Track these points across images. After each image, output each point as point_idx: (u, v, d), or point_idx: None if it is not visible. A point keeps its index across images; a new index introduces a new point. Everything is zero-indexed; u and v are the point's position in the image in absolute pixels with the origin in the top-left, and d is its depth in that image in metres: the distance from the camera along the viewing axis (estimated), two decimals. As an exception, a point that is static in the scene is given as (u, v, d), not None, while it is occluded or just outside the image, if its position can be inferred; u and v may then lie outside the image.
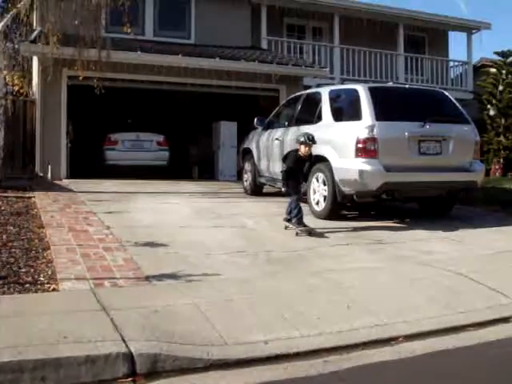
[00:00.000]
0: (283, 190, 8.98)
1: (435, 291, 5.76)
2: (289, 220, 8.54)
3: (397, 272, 6.49)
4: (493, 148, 21.21)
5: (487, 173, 19.69)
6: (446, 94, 10.20)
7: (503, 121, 21.90)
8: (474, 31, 24.49)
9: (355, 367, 4.15)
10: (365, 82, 16.77)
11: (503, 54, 22.84)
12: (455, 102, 9.97)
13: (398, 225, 9.18)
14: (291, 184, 8.69)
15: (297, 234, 8.26)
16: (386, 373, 4.12)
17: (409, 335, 4.72)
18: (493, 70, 23.36)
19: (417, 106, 9.53)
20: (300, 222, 8.35)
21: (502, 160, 20.92)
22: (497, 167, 20.71)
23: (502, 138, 21.53)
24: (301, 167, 8.73)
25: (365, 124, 8.84)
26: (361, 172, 8.69)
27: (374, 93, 9.24)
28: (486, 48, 49.66)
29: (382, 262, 6.94)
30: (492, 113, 22.17)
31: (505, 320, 5.19)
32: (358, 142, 8.77)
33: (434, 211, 10.26)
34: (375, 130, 8.72)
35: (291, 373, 4.06)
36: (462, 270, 6.44)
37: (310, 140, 8.49)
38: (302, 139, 8.52)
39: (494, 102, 22.29)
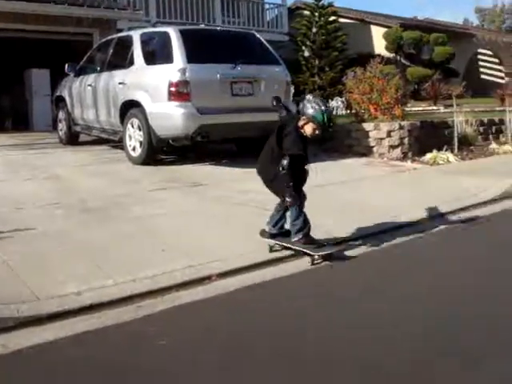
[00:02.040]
0: (287, 198, 5.31)
1: (249, 229, 5.91)
2: (275, 236, 5.57)
3: (213, 213, 6.59)
4: (308, 88, 21.92)
5: (303, 112, 20.40)
6: (257, 35, 10.36)
7: (317, 62, 22.67)
8: (289, -26, 24.99)
9: (168, 309, 4.17)
10: (182, 24, 16.60)
11: (316, -3, 23.49)
12: (266, 43, 10.16)
13: (216, 166, 9.29)
14: (294, 180, 5.34)
15: (313, 261, 5.29)
16: (198, 311, 4.19)
17: (223, 273, 4.81)
18: (307, 12, 23.98)
19: (228, 48, 9.58)
20: (311, 240, 5.41)
21: (317, 99, 21.71)
22: (312, 106, 21.47)
23: (316, 78, 22.31)
24: (305, 152, 5.45)
25: (176, 67, 8.77)
26: (174, 116, 8.67)
27: (186, 35, 9.16)
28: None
29: (198, 204, 7.00)
30: (307, 54, 22.86)
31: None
32: (170, 85, 8.69)
33: (251, 151, 10.44)
34: (187, 73, 8.68)
35: (104, 321, 4.00)
36: (272, 207, 6.65)
37: (329, 122, 5.35)
38: (319, 118, 5.20)
39: (308, 43, 22.96)
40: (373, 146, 10.53)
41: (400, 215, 6.45)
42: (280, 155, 5.26)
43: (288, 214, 5.49)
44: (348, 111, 14.02)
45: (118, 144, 10.44)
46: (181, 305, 4.25)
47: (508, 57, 33.58)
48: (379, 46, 25.53)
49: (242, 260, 5.09)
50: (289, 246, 5.48)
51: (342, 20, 25.21)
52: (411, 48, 25.40)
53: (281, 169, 5.24)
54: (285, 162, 5.21)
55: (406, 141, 10.49)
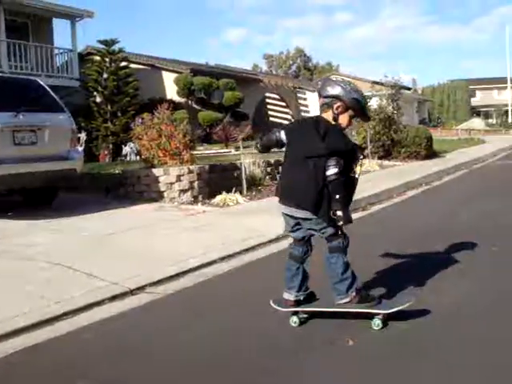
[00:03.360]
0: (340, 214, 4.11)
1: (32, 285, 5.66)
2: (300, 302, 4.48)
3: (-8, 271, 6.24)
4: (101, 134, 21.78)
5: (97, 159, 20.18)
6: (41, 82, 10.12)
7: (109, 107, 22.60)
8: (77, 19, 24.82)
9: None
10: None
11: (106, 43, 23.47)
12: (50, 90, 9.94)
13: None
14: (344, 200, 4.20)
15: (383, 320, 4.24)
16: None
17: (2, 335, 4.57)
18: (97, 57, 23.88)
19: (9, 95, 9.22)
20: (367, 295, 4.40)
21: (110, 145, 21.60)
22: (106, 153, 21.32)
23: (109, 124, 22.21)
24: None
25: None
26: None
27: (-39, 83, 8.72)
28: (92, 36, 50.49)
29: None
30: (99, 100, 22.73)
31: (100, 303, 5.33)
32: None
33: (38, 201, 10.15)
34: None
35: None
36: (60, 260, 6.46)
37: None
38: (363, 101, 4.34)
39: (99, 89, 22.84)
40: (164, 191, 10.62)
41: (187, 260, 6.54)
42: (322, 165, 4.14)
43: (330, 262, 4.32)
44: (139, 157, 14.05)
45: None
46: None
47: (293, 100, 35.74)
48: (171, 91, 26.02)
49: (23, 320, 4.82)
50: (341, 310, 4.33)
51: (133, 65, 25.39)
52: (202, 93, 26.17)
53: (331, 173, 4.11)
54: (335, 165, 4.11)
55: (195, 184, 10.71)
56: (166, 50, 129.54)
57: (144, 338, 4.51)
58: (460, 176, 16.29)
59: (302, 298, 4.44)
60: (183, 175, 10.60)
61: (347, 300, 4.25)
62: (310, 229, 4.37)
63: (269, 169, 13.83)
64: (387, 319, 4.28)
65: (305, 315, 4.50)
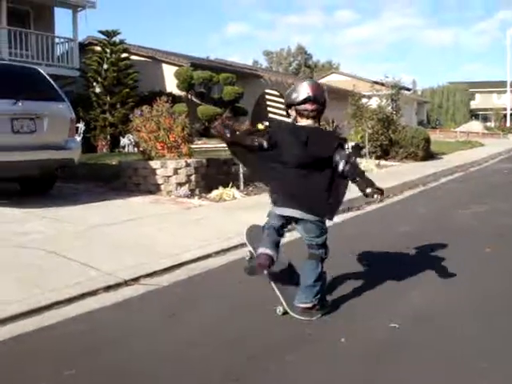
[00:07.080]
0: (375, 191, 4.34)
1: (26, 273, 5.66)
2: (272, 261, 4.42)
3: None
4: (99, 125, 21.71)
5: (95, 149, 20.14)
6: (41, 71, 10.07)
7: (109, 98, 22.54)
8: (79, 9, 24.78)
9: None
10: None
11: (107, 34, 23.43)
12: (50, 79, 9.88)
13: (-5, 207, 8.83)
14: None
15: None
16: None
17: (-1, 320, 4.55)
18: (98, 48, 23.83)
19: (9, 83, 9.17)
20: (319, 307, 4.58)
21: (108, 136, 21.54)
22: (104, 143, 21.27)
23: (107, 114, 22.14)
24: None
25: None
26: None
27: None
28: (93, 26, 50.25)
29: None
30: (98, 90, 22.65)
31: (94, 293, 5.33)
32: None
33: (36, 190, 10.13)
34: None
35: None
36: (55, 249, 6.45)
37: None
38: None
39: (99, 79, 22.79)
40: (161, 184, 10.60)
41: (182, 253, 6.54)
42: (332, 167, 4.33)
43: (308, 267, 4.50)
44: (136, 149, 14.02)
45: None
46: None
47: (293, 97, 35.63)
48: (171, 84, 25.94)
49: (14, 308, 4.78)
50: (283, 302, 4.60)
51: (134, 57, 25.35)
52: (202, 87, 26.11)
53: (352, 158, 4.29)
54: (341, 157, 4.29)
55: (192, 178, 10.68)
56: (167, 43, 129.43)
57: (135, 330, 4.51)
58: (455, 178, 16.34)
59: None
60: (180, 168, 10.58)
61: (309, 306, 4.45)
62: (307, 235, 4.46)
63: (266, 165, 13.78)
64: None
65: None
